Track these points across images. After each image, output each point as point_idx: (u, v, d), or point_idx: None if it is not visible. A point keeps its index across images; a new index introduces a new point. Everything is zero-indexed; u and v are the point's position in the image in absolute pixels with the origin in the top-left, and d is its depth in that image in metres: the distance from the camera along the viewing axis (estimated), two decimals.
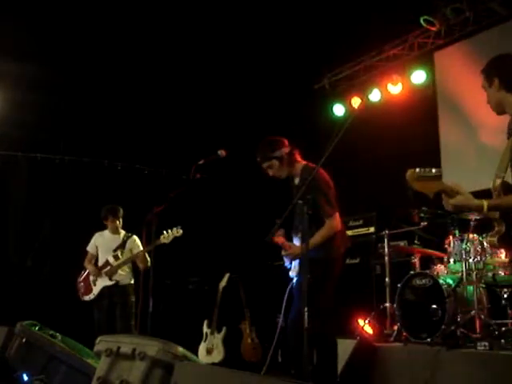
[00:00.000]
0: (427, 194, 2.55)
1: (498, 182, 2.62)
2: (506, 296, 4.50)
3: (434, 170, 2.53)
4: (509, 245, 2.75)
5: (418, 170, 2.52)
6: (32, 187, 7.16)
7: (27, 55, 6.37)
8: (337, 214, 3.84)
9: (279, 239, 4.13)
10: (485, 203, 2.52)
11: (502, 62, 2.79)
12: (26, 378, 2.99)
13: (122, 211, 5.86)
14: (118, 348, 2.40)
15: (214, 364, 5.88)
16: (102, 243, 5.84)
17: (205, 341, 6.35)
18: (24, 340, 3.03)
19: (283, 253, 3.97)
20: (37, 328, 3.19)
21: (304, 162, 4.04)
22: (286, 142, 4.04)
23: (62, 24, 6.45)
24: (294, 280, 3.97)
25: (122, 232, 5.88)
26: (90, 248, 5.90)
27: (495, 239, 2.66)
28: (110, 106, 7.25)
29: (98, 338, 2.59)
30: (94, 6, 6.33)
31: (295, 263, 3.96)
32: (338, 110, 7.84)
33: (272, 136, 4.11)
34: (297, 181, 4.03)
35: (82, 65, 6.90)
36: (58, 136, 7.21)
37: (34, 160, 7.12)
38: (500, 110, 2.79)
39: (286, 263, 4.02)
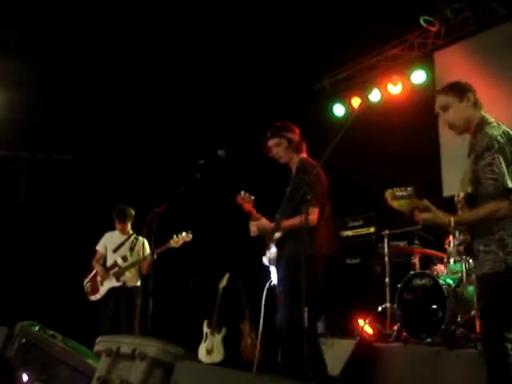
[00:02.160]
0: (403, 211, 2.85)
1: (462, 195, 2.89)
2: None
3: (408, 189, 2.82)
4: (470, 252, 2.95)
5: (394, 189, 2.81)
6: (32, 187, 7.16)
7: (27, 55, 6.37)
8: (316, 210, 3.78)
9: (247, 205, 4.18)
10: (452, 219, 2.79)
11: (468, 84, 3.06)
12: (25, 378, 2.99)
13: (131, 213, 5.83)
14: (118, 348, 2.41)
15: (214, 364, 5.88)
16: (111, 243, 5.81)
17: (205, 341, 6.36)
18: (24, 340, 3.03)
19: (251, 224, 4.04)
20: (37, 328, 3.19)
21: (304, 155, 4.10)
22: (299, 132, 4.13)
23: (62, 24, 6.45)
24: (273, 278, 4.02)
25: (132, 233, 5.86)
26: (99, 247, 5.87)
27: (462, 248, 2.88)
28: (110, 106, 7.25)
29: (98, 338, 2.59)
30: (94, 6, 6.33)
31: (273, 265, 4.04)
32: (338, 110, 7.84)
33: None
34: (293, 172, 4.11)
35: (83, 65, 6.90)
36: (57, 136, 7.21)
37: (34, 160, 7.12)
38: (465, 126, 3.00)
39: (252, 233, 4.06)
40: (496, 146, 2.78)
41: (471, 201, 2.87)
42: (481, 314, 2.86)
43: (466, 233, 2.92)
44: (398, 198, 2.80)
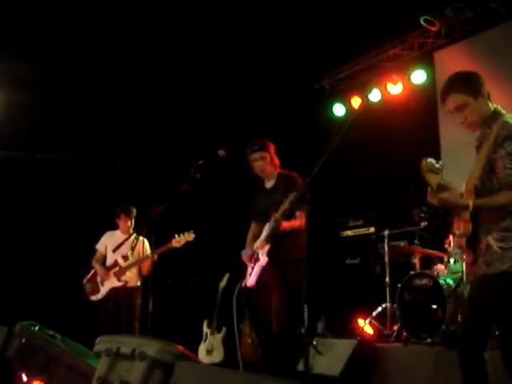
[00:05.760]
0: (432, 186, 2.67)
1: (471, 185, 2.72)
2: None
3: (440, 163, 2.69)
4: (475, 246, 2.79)
5: (429, 160, 2.66)
6: (32, 187, 7.15)
7: (27, 55, 6.37)
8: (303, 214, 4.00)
9: None
10: (470, 202, 2.64)
11: (478, 76, 2.91)
12: (25, 378, 2.99)
13: (135, 211, 5.82)
14: (118, 348, 2.40)
15: (214, 364, 5.88)
16: (112, 243, 5.78)
17: (205, 341, 6.35)
18: (24, 340, 3.03)
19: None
20: (37, 328, 3.20)
21: (280, 170, 4.53)
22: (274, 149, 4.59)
23: (61, 24, 6.45)
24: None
25: (132, 233, 5.83)
26: (99, 246, 5.84)
27: (463, 241, 2.72)
28: (110, 106, 7.25)
29: (98, 338, 2.59)
30: (93, 6, 6.33)
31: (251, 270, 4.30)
32: (338, 110, 7.84)
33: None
34: (269, 184, 4.53)
35: (82, 65, 6.90)
36: (57, 136, 7.20)
37: (34, 160, 7.10)
38: (482, 121, 2.85)
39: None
40: None
41: (478, 191, 2.73)
42: (502, 313, 2.69)
43: (467, 225, 2.72)
44: (434, 171, 2.67)
